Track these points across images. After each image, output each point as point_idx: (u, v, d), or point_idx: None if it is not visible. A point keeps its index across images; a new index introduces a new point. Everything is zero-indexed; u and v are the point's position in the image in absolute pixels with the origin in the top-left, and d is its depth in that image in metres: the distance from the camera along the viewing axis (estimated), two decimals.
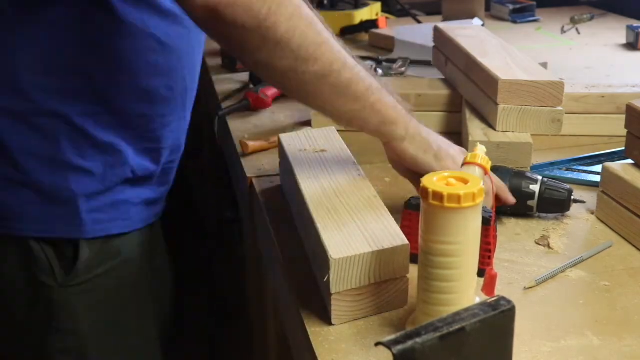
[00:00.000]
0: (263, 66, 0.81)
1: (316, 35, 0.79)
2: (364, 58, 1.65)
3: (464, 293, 0.68)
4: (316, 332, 0.72)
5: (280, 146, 1.01)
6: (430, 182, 0.67)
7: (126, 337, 1.08)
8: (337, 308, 0.73)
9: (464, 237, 0.67)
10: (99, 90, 0.93)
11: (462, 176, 0.68)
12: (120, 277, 1.03)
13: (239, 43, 0.78)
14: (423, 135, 0.87)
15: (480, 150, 0.80)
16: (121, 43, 0.92)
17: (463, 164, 0.81)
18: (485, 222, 0.74)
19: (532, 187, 0.93)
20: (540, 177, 0.94)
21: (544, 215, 0.95)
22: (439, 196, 0.65)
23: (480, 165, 0.78)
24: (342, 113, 0.84)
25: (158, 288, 1.16)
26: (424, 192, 0.66)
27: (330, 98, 0.82)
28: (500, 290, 0.76)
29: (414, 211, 0.80)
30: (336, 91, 0.81)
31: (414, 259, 0.73)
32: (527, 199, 0.93)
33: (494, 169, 0.91)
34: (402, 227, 0.78)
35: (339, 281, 0.72)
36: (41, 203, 0.95)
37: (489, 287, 0.74)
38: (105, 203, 0.99)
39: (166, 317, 1.20)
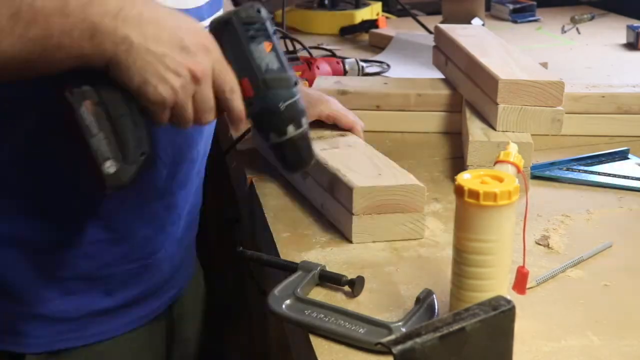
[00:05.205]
0: None
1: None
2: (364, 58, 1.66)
3: (498, 291, 0.68)
4: None
5: None
6: (466, 180, 0.67)
7: None
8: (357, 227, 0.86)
9: (498, 235, 0.67)
10: None
11: (496, 174, 0.69)
12: None
13: None
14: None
15: (513, 149, 0.80)
16: None
17: (496, 162, 0.80)
18: None
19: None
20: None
21: (545, 215, 0.95)
22: (475, 194, 0.66)
23: (513, 164, 0.78)
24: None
25: None
26: (459, 190, 0.67)
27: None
28: None
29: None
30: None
31: None
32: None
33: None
34: None
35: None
36: None
37: (519, 285, 0.74)
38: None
39: None
